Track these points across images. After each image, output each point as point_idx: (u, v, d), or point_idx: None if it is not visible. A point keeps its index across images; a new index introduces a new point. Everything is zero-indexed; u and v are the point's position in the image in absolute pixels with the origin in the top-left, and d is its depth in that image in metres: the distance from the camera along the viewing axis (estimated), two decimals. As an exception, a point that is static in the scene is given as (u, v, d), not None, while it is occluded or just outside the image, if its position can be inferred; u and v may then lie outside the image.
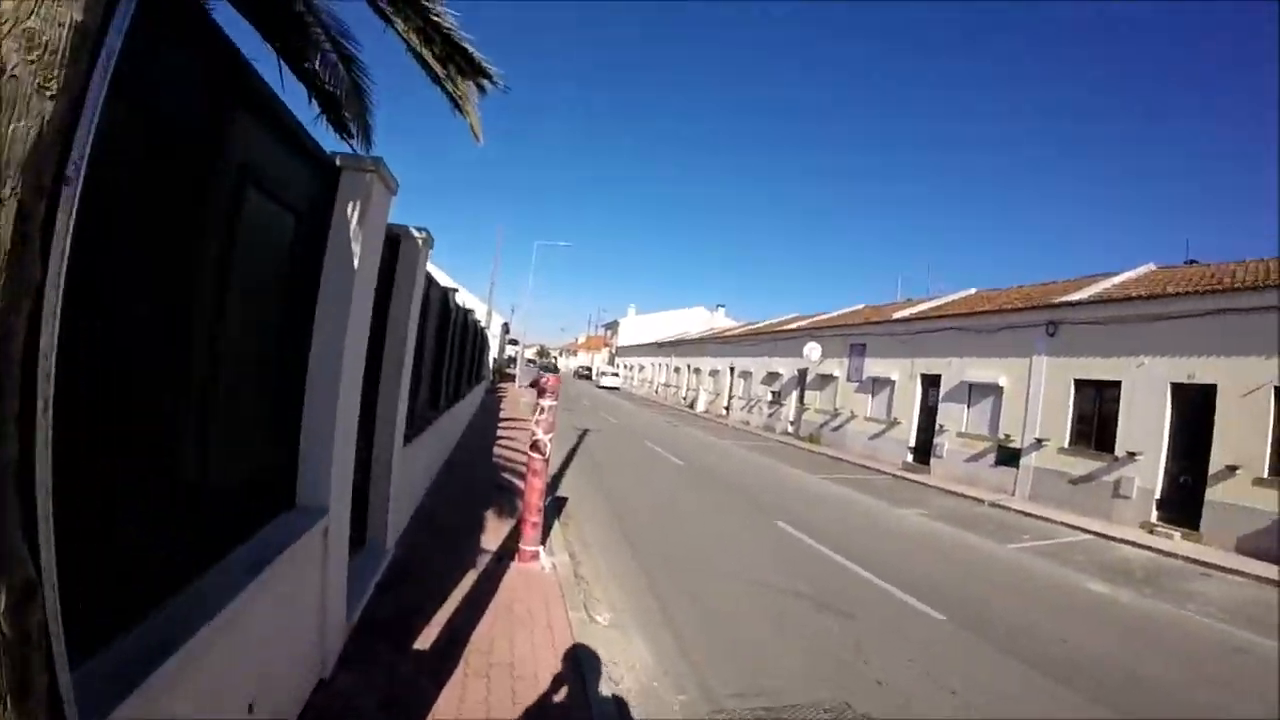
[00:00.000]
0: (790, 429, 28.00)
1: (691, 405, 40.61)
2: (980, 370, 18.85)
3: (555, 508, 8.89)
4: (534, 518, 6.11)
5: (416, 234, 5.12)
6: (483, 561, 6.06)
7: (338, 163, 3.26)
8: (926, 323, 21.54)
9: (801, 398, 27.85)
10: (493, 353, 38.98)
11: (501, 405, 25.63)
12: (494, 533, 7.25)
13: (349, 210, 3.19)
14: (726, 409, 35.91)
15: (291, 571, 2.98)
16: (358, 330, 3.40)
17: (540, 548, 6.26)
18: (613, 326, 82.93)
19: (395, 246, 5.03)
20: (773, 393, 30.54)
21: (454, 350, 11.05)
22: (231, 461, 2.67)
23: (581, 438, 18.80)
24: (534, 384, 6.28)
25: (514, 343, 65.23)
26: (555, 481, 11.52)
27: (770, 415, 30.12)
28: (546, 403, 6.04)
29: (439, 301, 7.99)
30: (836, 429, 24.64)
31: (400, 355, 5.00)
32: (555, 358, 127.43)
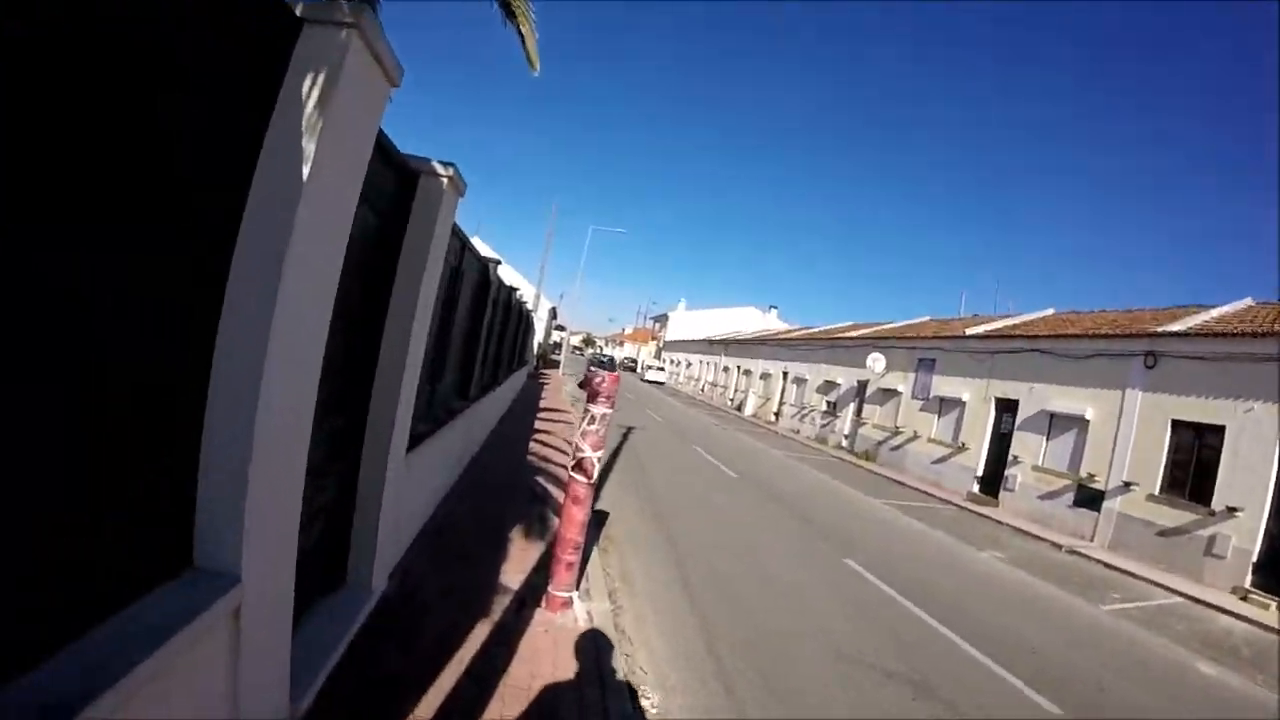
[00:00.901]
0: (844, 443, 26.30)
1: (739, 408, 39.04)
2: (1064, 399, 17.13)
3: (595, 524, 7.64)
4: (569, 556, 4.71)
5: (441, 170, 3.76)
6: (500, 606, 4.67)
7: (298, 11, 1.95)
8: (1005, 342, 19.69)
9: (859, 411, 26.11)
10: (538, 338, 37.89)
11: (543, 394, 24.48)
12: (519, 561, 5.89)
13: (306, 86, 1.89)
14: (776, 415, 34.28)
15: (169, 681, 1.74)
16: (311, 287, 2.10)
17: (574, 593, 4.87)
18: (662, 319, 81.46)
19: (411, 185, 3.74)
20: (828, 403, 28.83)
21: (492, 331, 9.79)
22: (60, 497, 1.43)
23: (626, 436, 17.52)
24: (583, 384, 4.86)
25: (560, 329, 64.47)
26: (596, 489, 10.28)
27: (823, 426, 28.43)
28: (598, 410, 4.61)
29: (476, 271, 6.74)
30: (896, 448, 22.88)
31: (407, 333, 3.69)
32: (600, 347, 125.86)
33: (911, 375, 23.18)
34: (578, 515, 4.71)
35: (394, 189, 3.47)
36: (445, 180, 3.80)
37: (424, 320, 3.86)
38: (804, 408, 30.85)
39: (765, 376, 37.43)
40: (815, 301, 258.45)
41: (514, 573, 5.51)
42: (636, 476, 12.04)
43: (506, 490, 8.48)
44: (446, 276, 5.01)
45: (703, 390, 51.20)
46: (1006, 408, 18.98)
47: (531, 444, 12.38)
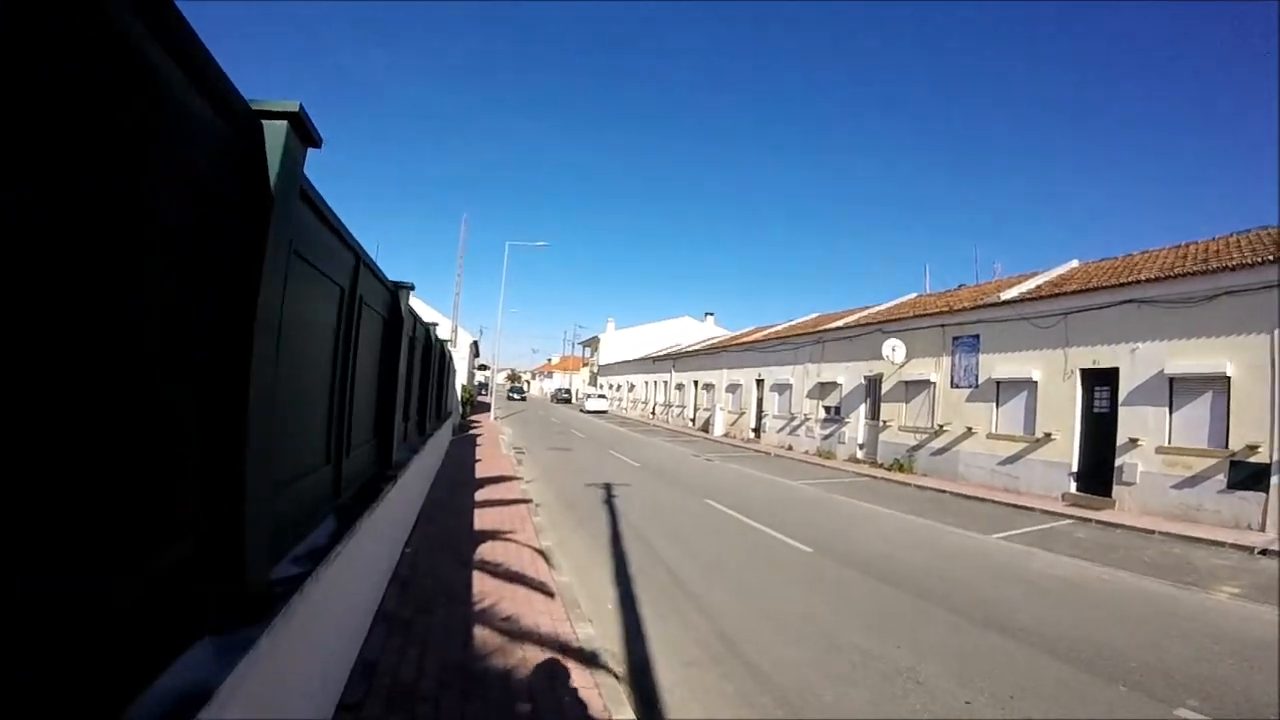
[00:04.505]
0: (859, 454, 21.11)
1: (705, 428, 33.47)
2: (1187, 357, 12.80)
3: None
4: None
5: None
6: None
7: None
8: (1082, 298, 14.98)
9: (874, 413, 20.98)
10: (460, 379, 31.41)
11: (477, 453, 18.08)
12: None
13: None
14: (755, 431, 28.90)
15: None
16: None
17: None
18: (592, 344, 75.54)
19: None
20: (827, 408, 23.62)
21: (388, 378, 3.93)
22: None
23: (609, 500, 11.69)
24: None
25: (484, 368, 57.65)
26: (638, 656, 4.52)
27: (825, 437, 23.15)
28: None
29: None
30: (940, 452, 17.79)
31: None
32: (527, 381, 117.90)
33: (945, 359, 18.21)
34: None
35: None
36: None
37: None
38: (793, 418, 25.60)
39: (733, 388, 32.09)
40: (753, 304, 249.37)
41: None
42: (673, 599, 6.28)
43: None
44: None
45: (654, 414, 45.59)
46: (1099, 379, 14.34)
47: (479, 578, 6.27)
